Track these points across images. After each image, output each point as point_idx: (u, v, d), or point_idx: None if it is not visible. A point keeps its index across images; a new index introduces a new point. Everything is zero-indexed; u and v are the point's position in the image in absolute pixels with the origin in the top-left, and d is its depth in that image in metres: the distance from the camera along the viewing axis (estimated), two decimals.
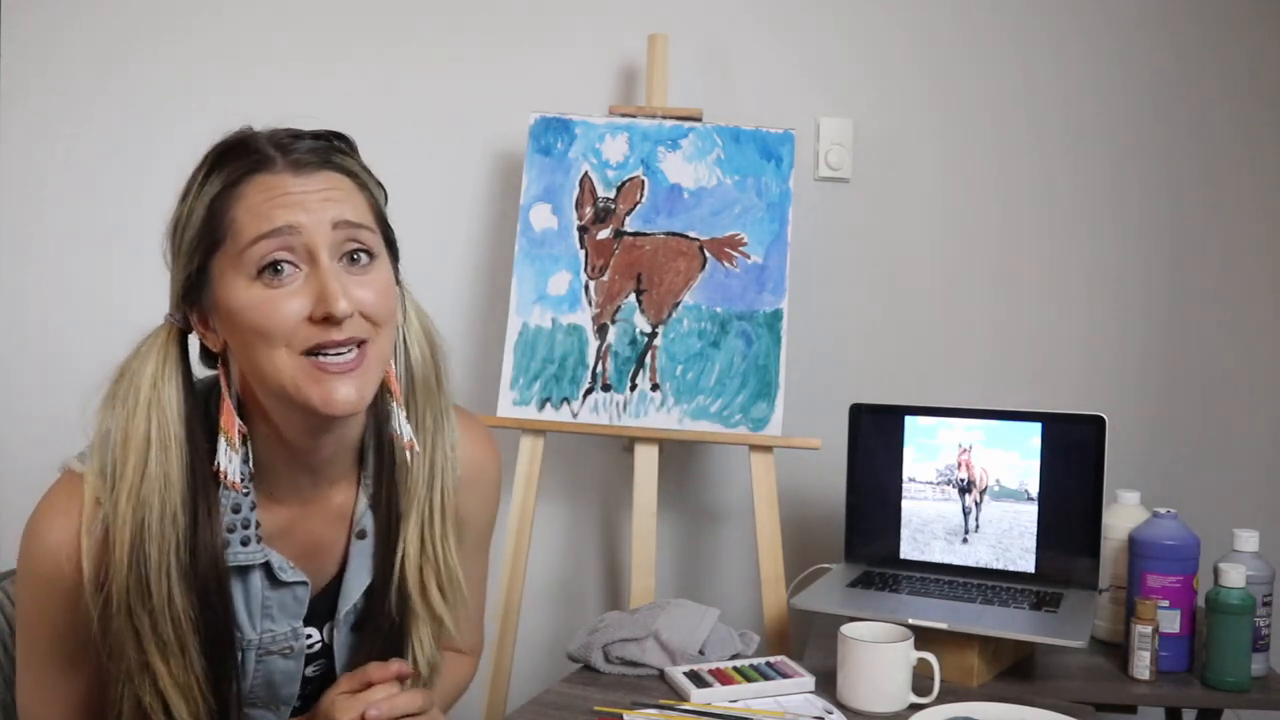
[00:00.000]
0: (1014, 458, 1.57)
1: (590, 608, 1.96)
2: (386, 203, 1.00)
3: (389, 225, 1.00)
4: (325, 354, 0.90)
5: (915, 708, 1.21)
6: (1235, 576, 1.40)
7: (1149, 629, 1.42)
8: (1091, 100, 1.93)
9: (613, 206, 1.74)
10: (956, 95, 1.94)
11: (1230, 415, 1.94)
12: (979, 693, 1.32)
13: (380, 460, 1.03)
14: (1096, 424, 1.52)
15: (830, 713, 1.21)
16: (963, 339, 1.95)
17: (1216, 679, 1.41)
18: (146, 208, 1.85)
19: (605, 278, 1.72)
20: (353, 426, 1.01)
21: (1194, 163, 1.93)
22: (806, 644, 1.55)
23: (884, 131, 1.93)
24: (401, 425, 1.00)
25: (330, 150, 0.95)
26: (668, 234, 1.73)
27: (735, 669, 1.29)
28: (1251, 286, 1.94)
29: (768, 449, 1.68)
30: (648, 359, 1.70)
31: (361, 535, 1.04)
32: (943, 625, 1.35)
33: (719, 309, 1.71)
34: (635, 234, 1.73)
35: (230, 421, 0.95)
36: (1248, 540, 1.48)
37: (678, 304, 1.71)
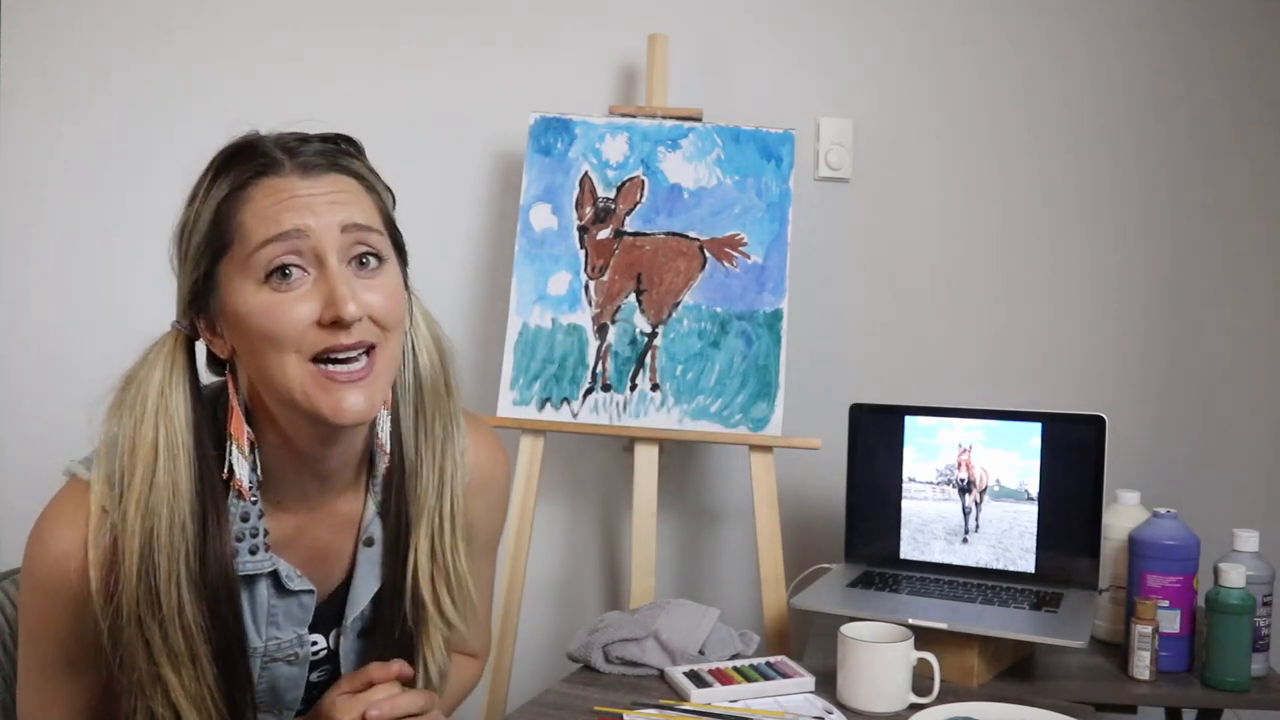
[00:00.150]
0: (1014, 458, 1.57)
1: (590, 608, 1.96)
2: (394, 206, 1.00)
3: (397, 229, 0.99)
4: (335, 363, 0.89)
5: (915, 708, 1.21)
6: (1235, 576, 1.40)
7: (1149, 629, 1.42)
8: (1091, 100, 1.93)
9: (613, 206, 1.74)
10: (956, 95, 1.94)
11: (1230, 415, 1.94)
12: (979, 693, 1.32)
13: (388, 468, 1.02)
14: (1096, 424, 1.52)
15: (830, 713, 1.21)
16: (963, 339, 1.95)
17: (1216, 679, 1.41)
18: (146, 208, 1.87)
19: (605, 278, 1.72)
20: (360, 434, 1.00)
21: (1194, 163, 1.93)
22: (806, 644, 1.56)
23: (884, 131, 1.93)
24: (384, 431, 1.00)
25: (337, 153, 0.95)
26: (668, 234, 1.73)
27: (735, 669, 1.29)
28: (1251, 286, 1.94)
29: (768, 449, 1.68)
30: (648, 359, 1.70)
31: (369, 543, 1.03)
32: (943, 625, 1.35)
33: (719, 309, 1.71)
34: (635, 234, 1.73)
35: (240, 428, 0.94)
36: (1248, 540, 1.48)
37: (678, 304, 1.71)
